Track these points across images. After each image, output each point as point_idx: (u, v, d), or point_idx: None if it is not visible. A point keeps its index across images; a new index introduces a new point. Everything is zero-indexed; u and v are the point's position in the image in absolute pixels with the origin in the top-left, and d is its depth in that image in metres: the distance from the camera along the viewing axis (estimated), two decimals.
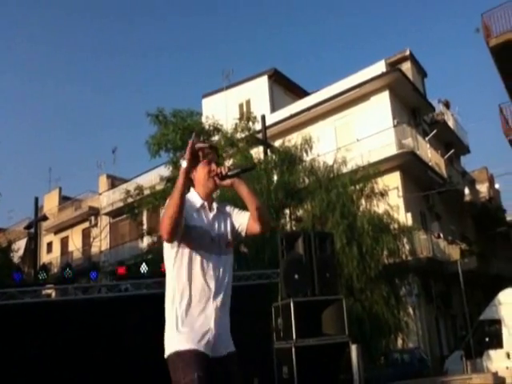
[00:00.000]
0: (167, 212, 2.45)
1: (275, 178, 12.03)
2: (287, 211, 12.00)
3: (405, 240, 12.37)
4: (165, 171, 14.01)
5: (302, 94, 23.23)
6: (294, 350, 6.26)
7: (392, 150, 17.65)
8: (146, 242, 14.37)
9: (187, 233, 2.59)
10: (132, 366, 7.27)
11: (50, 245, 30.75)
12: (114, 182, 28.22)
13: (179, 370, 2.51)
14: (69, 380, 6.52)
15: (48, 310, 6.95)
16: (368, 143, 17.06)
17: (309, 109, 19.83)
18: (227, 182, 2.68)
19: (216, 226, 2.74)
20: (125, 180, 26.57)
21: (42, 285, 7.60)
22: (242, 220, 2.77)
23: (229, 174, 2.65)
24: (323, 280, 6.83)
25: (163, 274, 7.81)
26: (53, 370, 6.43)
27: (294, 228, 11.69)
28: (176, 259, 2.65)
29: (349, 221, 10.87)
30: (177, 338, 2.59)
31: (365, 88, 18.78)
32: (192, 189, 2.75)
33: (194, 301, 2.62)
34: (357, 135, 17.99)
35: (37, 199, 19.08)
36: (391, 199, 13.29)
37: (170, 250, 2.65)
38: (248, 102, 22.31)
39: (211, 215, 2.73)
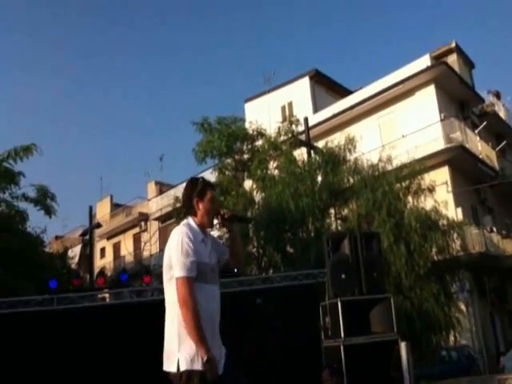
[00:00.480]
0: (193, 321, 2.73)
1: (319, 178, 12.08)
2: (332, 211, 12.01)
3: (455, 236, 12.08)
4: (210, 177, 14.35)
5: (344, 93, 23.11)
6: (342, 348, 6.29)
7: (439, 144, 17.29)
8: None
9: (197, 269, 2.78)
10: None
11: (103, 250, 31.92)
12: (162, 188, 29.05)
13: None
14: (130, 380, 6.82)
15: (105, 313, 7.28)
16: (414, 139, 16.79)
17: (352, 107, 19.71)
18: (229, 227, 3.10)
19: (212, 255, 2.94)
20: (171, 186, 27.29)
21: (99, 289, 7.99)
22: (225, 255, 3.09)
23: (230, 216, 3.03)
24: (370, 279, 6.84)
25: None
26: (111, 370, 6.76)
27: (339, 228, 11.69)
28: None
29: (396, 219, 10.75)
30: None
31: (409, 83, 18.49)
32: (191, 218, 2.92)
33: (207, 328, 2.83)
34: (402, 132, 17.74)
35: (91, 208, 19.98)
36: (440, 195, 13.04)
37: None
38: (290, 104, 22.41)
39: (209, 245, 2.93)
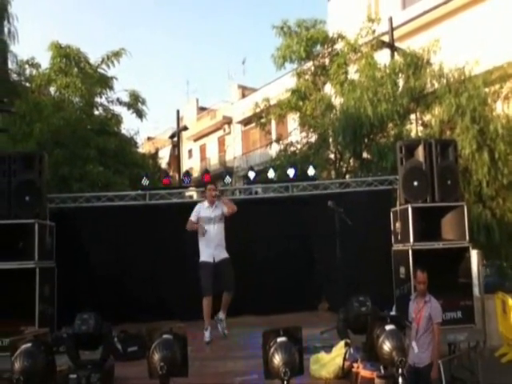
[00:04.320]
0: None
1: (400, 83, 11.64)
2: (413, 117, 11.67)
3: None
4: (290, 81, 14.30)
5: None
6: (410, 252, 6.48)
7: None
8: (274, 149, 15.11)
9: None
10: (261, 257, 8.27)
11: (190, 151, 33.40)
12: (245, 91, 29.15)
13: None
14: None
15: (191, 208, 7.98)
16: (509, 39, 15.23)
17: (446, 2, 18.01)
18: (219, 199, 7.04)
19: (214, 212, 6.93)
20: (254, 89, 27.33)
21: (186, 187, 8.72)
22: (224, 210, 6.93)
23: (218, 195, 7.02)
24: (444, 187, 6.83)
25: (289, 180, 8.52)
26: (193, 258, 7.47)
27: (419, 134, 11.40)
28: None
29: (480, 125, 10.24)
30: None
31: None
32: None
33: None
34: (495, 31, 16.08)
35: (178, 111, 20.84)
36: None
37: None
38: (377, 1, 20.89)
39: (212, 209, 6.96)
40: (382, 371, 3.78)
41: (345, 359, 4.41)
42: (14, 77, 12.93)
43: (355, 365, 4.26)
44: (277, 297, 8.18)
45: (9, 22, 11.39)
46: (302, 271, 8.40)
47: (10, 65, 12.33)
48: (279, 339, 3.38)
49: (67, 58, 13.01)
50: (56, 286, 6.74)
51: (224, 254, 6.87)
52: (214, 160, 30.65)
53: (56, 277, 6.75)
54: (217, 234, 6.87)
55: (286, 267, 8.28)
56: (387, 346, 3.35)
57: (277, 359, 3.36)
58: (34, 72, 13.11)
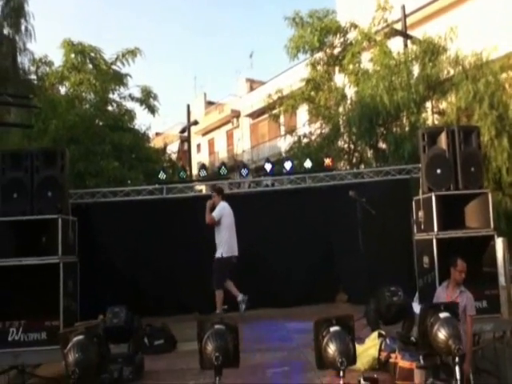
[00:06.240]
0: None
1: (416, 70, 11.50)
2: (429, 105, 11.54)
3: None
4: (303, 72, 14.20)
5: None
6: (435, 241, 6.34)
7: None
8: (284, 141, 15.06)
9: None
10: (278, 250, 8.23)
11: (198, 146, 33.37)
12: (253, 84, 29.05)
13: None
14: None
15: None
16: None
17: None
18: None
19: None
20: (262, 82, 27.23)
21: (202, 181, 8.68)
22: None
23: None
24: (467, 174, 6.69)
25: (305, 171, 8.47)
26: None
27: (436, 122, 11.29)
28: None
29: (499, 111, 10.12)
30: None
31: None
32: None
33: None
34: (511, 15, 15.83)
35: (188, 106, 20.78)
36: None
37: None
38: None
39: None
40: (422, 361, 3.72)
41: (381, 350, 4.34)
42: (30, 75, 13.01)
43: (392, 355, 4.19)
44: (294, 289, 8.20)
45: (26, 20, 11.43)
46: (319, 263, 8.38)
47: (27, 62, 12.43)
48: (332, 328, 3.31)
49: (82, 54, 13.05)
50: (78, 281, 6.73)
51: (216, 256, 7.37)
52: (222, 154, 30.60)
53: (78, 272, 6.74)
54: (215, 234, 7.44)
55: (303, 259, 8.27)
56: (442, 334, 3.26)
57: (331, 349, 3.30)
58: (48, 70, 13.15)
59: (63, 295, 6.01)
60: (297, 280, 8.20)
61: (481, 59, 10.92)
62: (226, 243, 7.36)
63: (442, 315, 3.38)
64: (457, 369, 3.25)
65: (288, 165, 8.65)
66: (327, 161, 8.46)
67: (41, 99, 11.58)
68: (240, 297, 7.21)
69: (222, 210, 7.47)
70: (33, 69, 12.50)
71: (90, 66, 13.33)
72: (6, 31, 11.41)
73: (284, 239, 8.31)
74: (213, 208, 7.53)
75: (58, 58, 13.80)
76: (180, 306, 7.79)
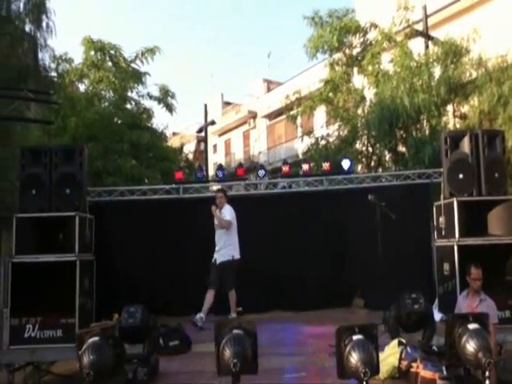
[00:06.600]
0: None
1: (437, 72, 11.30)
2: (450, 108, 11.34)
3: None
4: (321, 73, 14.08)
5: None
6: (456, 248, 6.22)
7: None
8: (302, 143, 14.95)
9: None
10: (294, 253, 8.14)
11: (215, 146, 33.37)
12: (270, 85, 28.98)
13: None
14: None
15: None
16: None
17: None
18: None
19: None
20: (279, 83, 27.14)
21: (220, 181, 8.64)
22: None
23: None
24: (491, 180, 6.56)
25: (323, 173, 8.31)
26: None
27: (457, 126, 11.08)
28: None
29: None
30: None
31: None
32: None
33: None
34: None
35: (206, 106, 20.75)
36: None
37: None
38: None
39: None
40: (445, 372, 3.60)
41: (401, 358, 4.23)
42: (51, 72, 13.10)
43: (414, 364, 4.07)
44: (309, 292, 8.09)
45: (47, 16, 11.50)
46: (336, 267, 8.25)
47: (48, 59, 12.52)
48: (355, 337, 3.20)
49: (101, 51, 13.13)
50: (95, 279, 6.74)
51: (224, 258, 7.27)
52: (238, 155, 30.56)
53: (95, 270, 6.75)
54: (220, 236, 7.37)
55: (319, 262, 8.15)
56: (472, 347, 3.13)
57: (354, 358, 3.18)
58: (68, 67, 13.25)
59: (79, 293, 6.03)
60: (312, 283, 8.10)
61: (505, 61, 10.67)
62: (237, 246, 7.35)
63: (471, 326, 3.25)
64: (487, 383, 3.11)
65: (346, 164, 8.36)
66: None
67: (60, 96, 11.63)
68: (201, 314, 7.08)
69: (232, 213, 7.42)
70: (53, 66, 12.57)
71: (110, 63, 13.40)
72: (27, 28, 11.47)
73: (300, 242, 8.21)
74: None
75: (77, 56, 13.92)
76: (194, 307, 7.74)
